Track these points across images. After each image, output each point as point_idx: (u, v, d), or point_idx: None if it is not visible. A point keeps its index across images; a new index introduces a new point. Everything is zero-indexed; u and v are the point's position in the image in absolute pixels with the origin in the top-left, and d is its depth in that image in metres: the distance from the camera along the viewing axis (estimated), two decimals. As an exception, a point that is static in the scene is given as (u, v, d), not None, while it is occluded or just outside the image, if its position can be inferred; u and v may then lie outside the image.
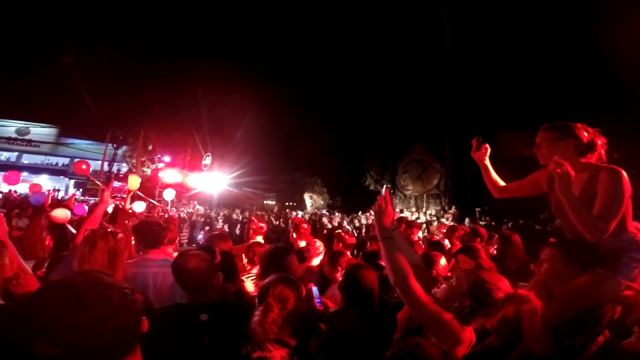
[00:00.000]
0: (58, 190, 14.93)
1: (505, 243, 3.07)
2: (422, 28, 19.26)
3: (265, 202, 23.38)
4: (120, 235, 1.68)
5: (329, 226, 9.15)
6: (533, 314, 1.35)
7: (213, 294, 1.60)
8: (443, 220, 11.87)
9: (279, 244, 2.71)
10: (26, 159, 25.35)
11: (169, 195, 6.58)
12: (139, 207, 5.27)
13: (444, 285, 1.34)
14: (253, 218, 4.13)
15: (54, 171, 25.16)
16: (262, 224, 3.48)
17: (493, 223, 11.42)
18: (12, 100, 22.61)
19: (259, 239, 3.36)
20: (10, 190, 9.59)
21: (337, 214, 13.50)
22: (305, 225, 3.47)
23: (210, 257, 1.62)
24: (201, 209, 12.01)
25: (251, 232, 3.39)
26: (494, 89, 16.81)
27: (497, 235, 3.55)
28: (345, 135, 22.99)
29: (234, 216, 11.73)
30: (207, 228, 11.49)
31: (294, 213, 12.68)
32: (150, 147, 19.82)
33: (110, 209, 4.55)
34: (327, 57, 23.21)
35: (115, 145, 19.20)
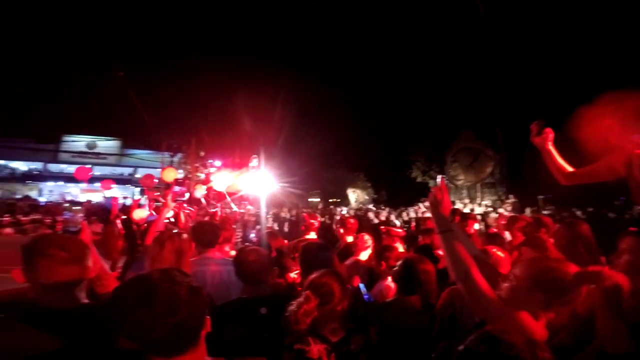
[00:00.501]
0: (126, 198, 16.53)
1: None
2: (459, 10, 18.12)
3: (309, 199, 23.73)
4: (185, 235, 1.81)
5: (375, 221, 9.01)
6: (613, 295, 1.20)
7: (268, 289, 1.67)
8: (501, 210, 11.09)
9: (318, 241, 2.73)
10: (97, 171, 28.39)
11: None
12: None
13: (505, 285, 1.26)
14: (305, 215, 4.20)
15: (120, 180, 27.79)
16: (313, 220, 3.52)
17: (566, 213, 10.35)
18: (80, 118, 25.48)
19: (312, 235, 3.41)
20: (88, 200, 10.82)
21: (383, 208, 13.25)
22: (352, 221, 3.45)
23: (267, 252, 1.72)
24: (252, 209, 12.52)
25: (303, 228, 3.46)
26: (543, 68, 15.36)
27: (559, 224, 3.19)
28: (388, 127, 22.49)
29: (282, 214, 12.05)
30: (258, 227, 11.95)
31: (339, 209, 12.68)
32: (202, 153, 21.05)
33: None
34: (364, 49, 22.87)
35: (171, 154, 20.71)
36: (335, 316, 1.41)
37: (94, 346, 1.05)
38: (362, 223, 8.58)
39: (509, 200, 13.83)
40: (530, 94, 15.53)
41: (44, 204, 18.06)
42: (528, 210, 11.05)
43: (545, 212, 10.74)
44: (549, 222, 3.61)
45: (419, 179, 20.91)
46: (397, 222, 8.83)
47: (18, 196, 20.99)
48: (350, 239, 3.28)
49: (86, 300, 1.21)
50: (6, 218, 13.13)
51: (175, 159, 21.84)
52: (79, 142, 27.47)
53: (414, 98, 21.31)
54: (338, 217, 10.73)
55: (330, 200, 22.71)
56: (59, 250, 1.14)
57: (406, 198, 15.97)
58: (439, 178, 1.53)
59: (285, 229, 11.20)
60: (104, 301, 1.29)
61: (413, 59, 21.24)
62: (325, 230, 9.71)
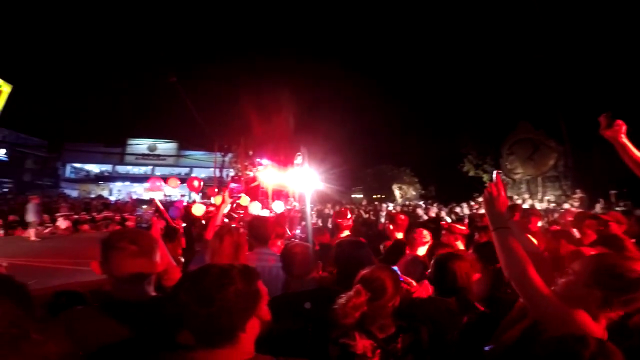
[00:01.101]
0: (183, 196, 17.82)
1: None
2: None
3: (352, 195, 23.59)
4: (242, 230, 1.93)
5: (425, 217, 8.67)
6: None
7: (313, 283, 1.68)
8: (567, 206, 10.07)
9: (352, 238, 2.68)
10: (157, 171, 30.90)
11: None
12: (255, 207, 5.77)
13: (562, 280, 1.19)
14: (333, 214, 4.08)
15: (180, 180, 30.04)
16: (341, 220, 3.37)
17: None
18: (142, 123, 28.01)
19: (346, 233, 3.31)
20: (153, 199, 11.83)
21: (432, 204, 12.72)
22: (403, 217, 3.34)
23: (312, 246, 1.76)
24: (297, 205, 12.81)
25: (335, 228, 3.40)
26: (608, 51, 13.56)
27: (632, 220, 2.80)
28: (436, 120, 21.55)
29: (326, 211, 12.15)
30: (303, 223, 12.17)
31: (384, 205, 12.43)
32: (250, 153, 21.91)
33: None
34: (410, 39, 22.11)
35: (222, 154, 21.84)
36: (385, 312, 1.38)
37: (158, 338, 1.10)
38: (410, 220, 8.29)
39: (576, 195, 12.51)
40: (596, 80, 13.91)
41: (113, 202, 20.08)
42: (598, 206, 9.91)
43: (618, 208, 9.54)
44: (622, 218, 3.20)
45: (471, 173, 19.76)
46: (449, 219, 8.42)
47: (92, 195, 23.62)
48: (400, 235, 3.19)
49: (154, 293, 1.28)
50: (83, 216, 14.84)
51: (227, 158, 23.02)
52: (141, 145, 30.13)
53: (464, 89, 20.19)
54: (383, 214, 10.54)
55: (374, 196, 22.37)
56: (130, 243, 1.20)
57: (457, 193, 15.17)
58: (494, 173, 1.47)
59: (329, 225, 11.27)
60: (169, 294, 1.38)
61: (462, 47, 20.13)
62: (368, 227, 9.59)
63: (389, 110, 21.62)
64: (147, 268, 1.23)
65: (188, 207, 6.09)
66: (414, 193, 22.91)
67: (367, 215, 11.24)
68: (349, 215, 3.31)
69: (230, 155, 23.05)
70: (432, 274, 1.84)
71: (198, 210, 5.15)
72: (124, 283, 1.20)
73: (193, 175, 30.04)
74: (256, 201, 6.07)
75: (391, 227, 3.31)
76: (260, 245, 2.30)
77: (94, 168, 30.46)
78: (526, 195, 15.18)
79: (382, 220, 9.76)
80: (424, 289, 1.97)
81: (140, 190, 27.52)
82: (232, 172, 24.94)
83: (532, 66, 16.79)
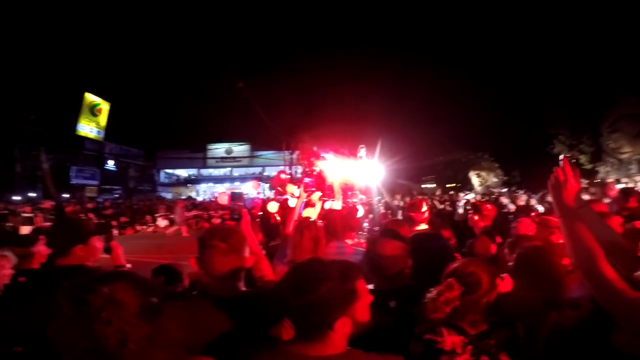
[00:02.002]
0: (259, 193, 19.08)
1: None
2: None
3: (423, 185, 22.43)
4: (320, 224, 1.94)
5: (511, 207, 7.81)
6: None
7: (402, 279, 1.59)
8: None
9: (428, 230, 2.49)
10: (235, 172, 33.55)
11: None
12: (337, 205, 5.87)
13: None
14: (407, 206, 3.84)
15: (255, 179, 32.26)
16: (413, 214, 3.16)
17: None
18: (219, 129, 30.67)
19: (423, 227, 3.12)
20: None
21: (519, 191, 11.39)
22: (489, 207, 3.05)
23: (404, 244, 1.61)
24: (364, 198, 12.68)
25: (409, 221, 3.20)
26: None
27: None
28: (516, 97, 19.20)
29: (395, 202, 11.78)
30: (370, 216, 12.01)
31: (461, 194, 11.51)
32: (315, 148, 22.40)
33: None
34: (483, 7, 20.03)
35: (290, 152, 22.74)
36: (478, 308, 1.30)
37: (251, 332, 1.17)
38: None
39: None
40: None
41: (200, 202, 22.42)
42: None
43: None
44: None
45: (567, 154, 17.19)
46: (541, 208, 7.44)
47: (183, 197, 26.70)
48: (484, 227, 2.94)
49: (244, 288, 1.35)
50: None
51: (294, 155, 23.92)
52: (219, 149, 33.02)
53: (550, 59, 17.58)
54: (461, 204, 9.80)
55: (448, 186, 20.93)
56: (220, 241, 1.25)
57: (546, 179, 13.33)
58: (561, 156, 1.38)
59: (399, 216, 10.90)
60: (260, 287, 1.45)
61: (547, 9, 17.52)
62: (443, 218, 9.01)
63: (461, 89, 19.96)
64: (237, 265, 1.29)
65: (264, 204, 6.42)
66: (495, 180, 20.86)
67: (442, 206, 10.59)
68: (424, 208, 3.10)
69: (297, 152, 23.88)
70: (520, 267, 1.68)
71: (273, 207, 5.43)
72: (216, 279, 1.28)
73: (266, 174, 32.05)
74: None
75: (476, 217, 3.05)
76: (335, 239, 2.29)
77: (183, 172, 34.39)
78: (638, 177, 12.68)
79: (460, 210, 9.10)
80: (505, 283, 1.80)
81: (221, 190, 30.34)
82: (300, 169, 25.86)
83: (630, 31, 13.87)
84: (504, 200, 9.18)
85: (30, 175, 20.52)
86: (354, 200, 7.34)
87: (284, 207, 5.63)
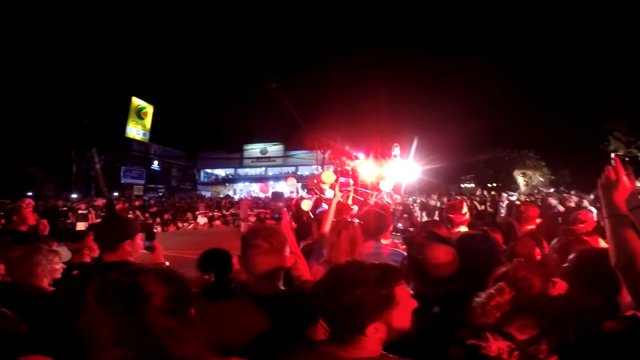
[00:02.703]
0: (292, 192, 19.37)
1: None
2: None
3: (462, 185, 21.48)
4: (357, 224, 1.92)
5: (560, 208, 7.25)
6: None
7: (446, 283, 1.51)
8: None
9: (472, 231, 2.37)
10: (270, 172, 34.30)
11: (386, 185, 6.92)
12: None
13: None
14: (447, 209, 3.61)
15: (288, 178, 32.86)
16: (452, 216, 3.01)
17: None
18: (254, 130, 31.52)
19: (463, 229, 2.98)
20: (266, 196, 13.26)
21: (568, 192, 10.56)
22: (533, 208, 2.86)
23: (454, 250, 1.51)
24: (398, 198, 12.41)
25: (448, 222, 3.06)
26: None
27: None
28: (564, 91, 17.76)
29: (431, 202, 11.41)
30: (405, 216, 11.74)
31: (504, 195, 10.86)
32: (347, 147, 22.32)
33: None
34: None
35: (322, 151, 22.83)
36: (528, 312, 1.24)
37: (288, 331, 1.18)
38: (542, 211, 7.06)
39: None
40: None
41: (237, 200, 23.20)
42: None
43: None
44: None
45: (620, 152, 15.66)
46: (594, 209, 6.84)
47: (221, 196, 27.78)
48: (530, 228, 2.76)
49: (282, 288, 1.37)
50: (216, 213, 17.63)
51: (326, 155, 24.00)
52: (254, 149, 33.94)
53: (603, 48, 16.06)
54: (504, 204, 9.26)
55: (489, 185, 19.86)
56: (263, 241, 1.28)
57: (597, 178, 12.22)
58: (612, 155, 1.35)
59: (436, 217, 10.54)
60: (297, 287, 1.47)
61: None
62: (484, 220, 8.56)
63: (503, 83, 18.80)
64: (278, 264, 1.32)
65: (298, 202, 6.48)
66: (541, 179, 19.50)
67: (482, 207, 10.08)
68: (464, 209, 2.94)
69: (329, 152, 23.94)
70: (571, 268, 1.58)
71: (306, 205, 5.47)
72: (257, 278, 1.31)
73: (299, 173, 32.43)
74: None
75: (519, 220, 2.86)
76: (372, 239, 2.24)
77: (221, 172, 35.76)
78: None
79: (502, 212, 8.61)
80: (557, 287, 1.67)
81: (257, 189, 31.19)
82: (332, 168, 25.94)
83: None
84: (553, 201, 8.53)
85: (85, 175, 22.37)
86: (387, 199, 7.21)
87: (316, 206, 5.66)
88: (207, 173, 35.89)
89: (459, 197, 12.29)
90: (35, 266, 2.00)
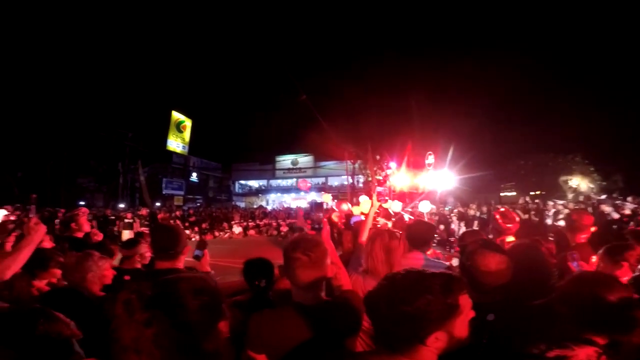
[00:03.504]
0: (322, 203, 19.43)
1: None
2: None
3: (502, 194, 20.34)
4: (395, 233, 1.88)
5: (615, 216, 6.65)
6: None
7: (500, 293, 1.44)
8: None
9: (524, 240, 2.22)
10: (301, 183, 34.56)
11: (424, 207, 6.81)
12: (397, 206, 5.76)
13: None
14: (497, 215, 3.42)
15: (318, 189, 33.10)
16: (510, 225, 2.86)
17: None
18: (285, 142, 32.20)
19: (510, 239, 2.81)
20: (298, 207, 13.35)
21: (623, 199, 9.65)
22: (586, 217, 2.65)
23: (508, 259, 1.45)
24: (434, 208, 11.97)
25: (495, 232, 2.89)
26: None
27: None
28: (614, 90, 16.42)
29: (470, 212, 10.89)
30: (441, 227, 11.29)
31: (550, 203, 10.13)
32: (378, 157, 22.11)
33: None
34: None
35: (352, 161, 22.76)
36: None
37: (329, 341, 1.20)
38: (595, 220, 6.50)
39: None
40: None
41: (270, 211, 23.63)
42: None
43: None
44: None
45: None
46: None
47: (255, 206, 28.45)
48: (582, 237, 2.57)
49: (324, 297, 1.39)
50: (250, 223, 18.05)
51: (356, 165, 23.86)
52: (286, 160, 34.56)
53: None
54: (550, 213, 8.64)
55: (532, 193, 18.65)
56: (302, 254, 1.31)
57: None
58: None
59: (475, 227, 10.04)
60: (338, 297, 1.47)
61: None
62: (529, 229, 8.01)
63: (544, 83, 17.77)
64: (318, 275, 1.33)
65: (330, 212, 6.48)
66: (591, 186, 18.02)
67: (526, 216, 9.48)
68: (517, 218, 2.82)
69: (359, 162, 23.78)
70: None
71: (335, 216, 5.50)
72: (299, 289, 1.34)
73: (329, 184, 32.48)
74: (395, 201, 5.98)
75: (572, 229, 2.67)
76: (418, 250, 2.20)
77: (254, 183, 36.73)
78: None
79: (549, 221, 8.03)
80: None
81: (288, 199, 31.60)
82: (362, 179, 25.68)
83: None
84: (606, 208, 7.82)
85: (130, 186, 23.90)
86: (420, 210, 6.99)
87: (348, 217, 5.62)
88: (241, 184, 37.00)
89: (499, 206, 11.65)
90: (87, 272, 2.09)
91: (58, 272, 2.27)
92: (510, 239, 2.81)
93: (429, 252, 2.34)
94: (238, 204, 31.17)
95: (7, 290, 2.01)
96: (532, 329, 1.27)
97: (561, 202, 11.55)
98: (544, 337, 1.18)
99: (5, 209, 7.91)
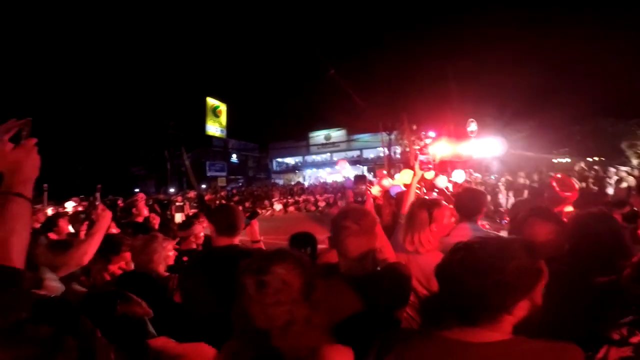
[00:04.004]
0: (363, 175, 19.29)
1: None
2: None
3: (555, 160, 18.73)
4: (439, 202, 1.80)
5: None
6: None
7: (552, 266, 1.37)
8: None
9: (591, 210, 2.02)
10: (335, 157, 34.45)
11: (458, 176, 6.58)
12: (459, 176, 5.54)
13: None
14: (553, 183, 3.15)
15: (352, 162, 32.79)
16: (567, 192, 2.66)
17: None
18: (317, 117, 32.03)
19: (569, 209, 2.61)
20: (334, 181, 13.39)
21: None
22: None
23: (559, 227, 1.37)
24: (479, 177, 11.43)
25: (551, 201, 2.69)
26: None
27: None
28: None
29: (520, 181, 10.24)
30: (488, 197, 10.77)
31: (612, 170, 9.14)
32: (414, 127, 21.24)
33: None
34: None
35: (387, 133, 22.15)
36: None
37: (378, 312, 1.20)
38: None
39: None
40: None
41: (308, 186, 24.01)
42: None
43: None
44: None
45: None
46: None
47: (292, 183, 29.01)
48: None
49: (370, 269, 1.37)
50: (290, 199, 18.53)
51: (392, 136, 23.15)
52: (319, 136, 34.46)
53: None
54: (612, 181, 7.88)
55: (589, 160, 16.95)
56: (353, 223, 1.29)
57: None
58: None
59: (525, 196, 9.49)
60: (385, 268, 1.44)
61: None
62: (587, 198, 7.39)
63: (599, 41, 15.63)
64: (367, 245, 1.32)
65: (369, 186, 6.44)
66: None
67: (583, 184, 8.73)
68: (577, 185, 2.60)
69: (395, 132, 23.01)
70: None
71: (375, 190, 5.46)
72: (347, 259, 1.32)
73: (364, 157, 32.04)
74: (442, 175, 5.80)
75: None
76: (467, 220, 2.04)
77: (290, 160, 37.29)
78: None
79: (610, 190, 7.35)
80: None
81: (324, 174, 31.79)
82: (399, 149, 24.93)
83: None
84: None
85: (177, 171, 25.44)
86: (454, 179, 6.68)
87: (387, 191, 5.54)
88: (278, 162, 37.73)
89: (551, 174, 10.79)
90: (153, 253, 2.24)
91: (128, 255, 2.46)
92: (569, 208, 2.61)
93: (479, 223, 2.17)
94: (277, 181, 31.98)
95: (84, 276, 2.24)
96: (598, 309, 1.18)
97: (624, 168, 10.37)
98: (616, 319, 1.08)
99: (72, 200, 8.77)
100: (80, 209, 8.11)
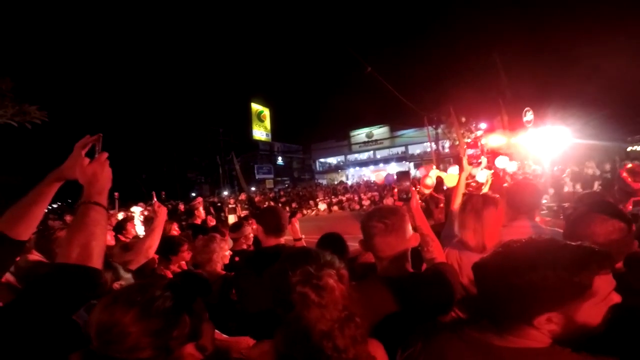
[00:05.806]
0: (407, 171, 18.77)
1: None
2: None
3: (629, 148, 16.50)
4: (491, 197, 1.66)
5: None
6: None
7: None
8: None
9: None
10: (378, 154, 33.96)
11: (501, 162, 6.15)
12: (512, 167, 5.22)
13: None
14: (624, 174, 2.74)
15: (397, 159, 32.09)
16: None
17: None
18: (358, 115, 31.77)
19: None
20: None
21: None
22: None
23: (624, 225, 1.18)
24: (539, 169, 10.48)
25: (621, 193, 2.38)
26: None
27: None
28: None
29: (589, 171, 9.23)
30: (551, 191, 9.87)
31: None
32: (463, 119, 20.16)
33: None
34: None
35: (434, 127, 21.27)
36: None
37: (417, 314, 1.16)
38: None
39: None
40: None
41: (351, 185, 23.93)
42: None
43: None
44: None
45: None
46: None
47: (336, 182, 29.11)
48: None
49: (410, 269, 1.32)
50: (333, 199, 18.65)
51: (439, 130, 22.16)
52: (360, 134, 34.17)
53: None
54: None
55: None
56: (378, 222, 1.26)
57: None
58: None
59: (595, 188, 8.54)
60: (428, 269, 1.39)
61: None
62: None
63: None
64: (398, 244, 1.26)
65: (421, 181, 6.27)
66: None
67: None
68: None
69: (442, 126, 22.00)
70: None
71: (427, 184, 5.32)
72: (380, 259, 1.30)
73: (410, 152, 31.09)
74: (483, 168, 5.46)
75: None
76: (524, 216, 1.89)
77: (333, 160, 37.50)
78: None
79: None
80: None
81: (367, 173, 31.45)
82: (447, 143, 23.77)
83: None
84: None
85: (229, 175, 26.93)
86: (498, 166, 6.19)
87: (439, 184, 5.31)
88: (321, 162, 38.15)
89: (627, 163, 9.56)
90: (212, 253, 2.40)
91: (187, 255, 2.66)
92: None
93: (537, 220, 1.99)
94: (320, 181, 32.34)
95: (150, 277, 2.44)
96: None
97: None
98: None
99: (139, 205, 9.68)
100: (146, 213, 8.94)
